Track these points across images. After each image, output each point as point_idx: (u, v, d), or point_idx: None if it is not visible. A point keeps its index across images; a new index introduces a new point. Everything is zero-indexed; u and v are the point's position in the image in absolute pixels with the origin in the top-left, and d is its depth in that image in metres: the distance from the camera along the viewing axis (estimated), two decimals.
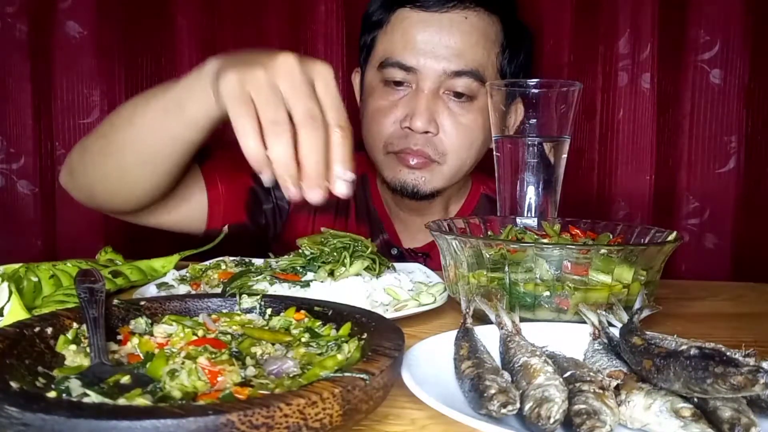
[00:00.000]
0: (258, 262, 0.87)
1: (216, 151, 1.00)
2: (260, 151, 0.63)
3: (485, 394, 0.42)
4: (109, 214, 1.04)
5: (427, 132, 1.05)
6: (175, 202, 1.00)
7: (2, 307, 0.63)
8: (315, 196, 0.64)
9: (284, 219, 1.18)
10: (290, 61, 0.65)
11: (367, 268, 0.78)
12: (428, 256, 1.16)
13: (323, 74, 0.67)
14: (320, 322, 0.55)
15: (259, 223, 1.16)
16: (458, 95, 1.06)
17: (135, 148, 0.86)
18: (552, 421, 0.40)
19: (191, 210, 1.04)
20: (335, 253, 0.79)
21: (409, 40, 1.06)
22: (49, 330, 0.48)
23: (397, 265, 0.86)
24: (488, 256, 0.66)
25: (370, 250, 0.82)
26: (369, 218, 1.21)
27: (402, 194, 1.11)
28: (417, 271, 0.89)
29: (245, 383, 0.42)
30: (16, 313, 0.61)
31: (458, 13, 1.05)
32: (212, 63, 0.74)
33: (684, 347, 0.43)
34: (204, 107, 0.76)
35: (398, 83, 1.07)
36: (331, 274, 0.76)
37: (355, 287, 0.73)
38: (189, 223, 1.06)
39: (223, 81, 0.67)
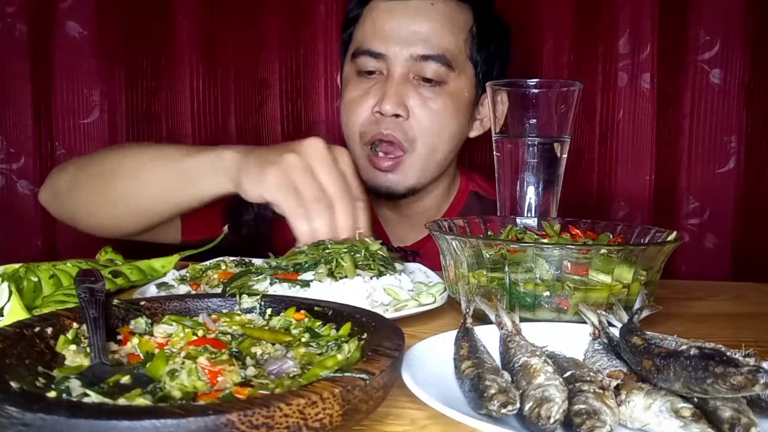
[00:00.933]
0: (258, 262, 0.87)
1: None
2: (309, 231, 0.79)
3: (485, 394, 0.42)
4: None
5: (397, 116, 1.06)
6: None
7: (2, 307, 0.62)
8: None
9: (267, 226, 1.19)
10: (319, 144, 0.81)
11: (368, 268, 0.78)
12: (418, 254, 1.16)
13: (344, 154, 0.83)
14: (320, 322, 0.55)
15: (241, 233, 1.16)
16: (427, 80, 1.07)
17: (132, 202, 0.94)
18: (552, 421, 0.40)
19: (165, 228, 1.07)
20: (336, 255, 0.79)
21: (378, 28, 1.09)
22: (49, 330, 0.48)
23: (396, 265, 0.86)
24: (488, 256, 0.66)
25: (377, 248, 0.82)
26: None
27: (377, 196, 1.12)
28: (417, 271, 0.89)
29: (245, 383, 0.42)
30: (16, 313, 0.61)
31: (424, 0, 1.07)
32: (233, 154, 0.86)
33: (684, 347, 0.43)
34: (218, 189, 0.87)
35: (370, 72, 1.10)
36: (331, 274, 0.76)
37: (355, 287, 0.73)
38: (164, 237, 1.09)
39: (268, 174, 0.80)
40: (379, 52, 1.08)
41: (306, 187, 0.77)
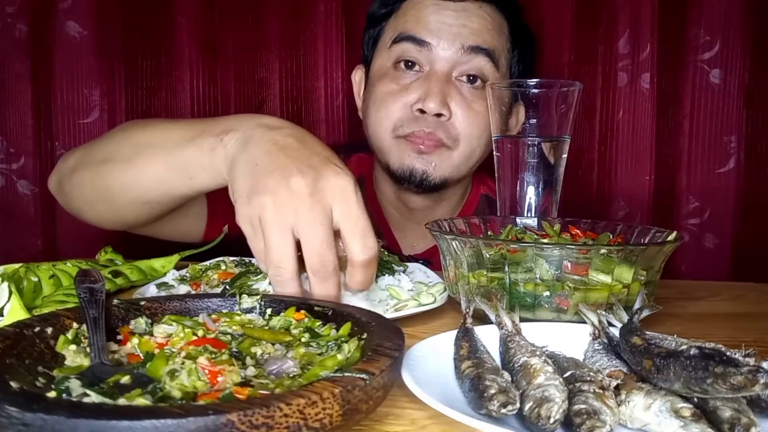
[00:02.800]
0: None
1: None
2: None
3: (485, 394, 0.42)
4: None
5: (439, 115, 1.03)
6: (174, 216, 0.98)
7: (2, 307, 0.63)
8: None
9: None
10: (302, 191, 0.61)
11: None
12: (429, 263, 1.16)
13: (341, 197, 0.62)
14: (320, 322, 0.55)
15: None
16: (471, 79, 1.05)
17: (131, 192, 0.86)
18: (552, 421, 0.40)
19: (189, 223, 1.04)
20: None
21: (422, 18, 1.06)
22: (49, 330, 0.48)
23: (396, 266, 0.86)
24: (488, 256, 0.66)
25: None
26: None
27: (409, 182, 1.08)
28: (417, 271, 0.89)
29: (245, 383, 0.42)
30: (16, 313, 0.61)
31: (473, 2, 1.06)
32: (230, 150, 0.71)
33: (684, 347, 0.43)
34: (214, 181, 0.75)
35: (410, 65, 1.06)
36: None
37: None
38: (186, 234, 1.06)
39: (238, 203, 0.66)
40: (424, 39, 1.04)
41: (270, 248, 0.61)
